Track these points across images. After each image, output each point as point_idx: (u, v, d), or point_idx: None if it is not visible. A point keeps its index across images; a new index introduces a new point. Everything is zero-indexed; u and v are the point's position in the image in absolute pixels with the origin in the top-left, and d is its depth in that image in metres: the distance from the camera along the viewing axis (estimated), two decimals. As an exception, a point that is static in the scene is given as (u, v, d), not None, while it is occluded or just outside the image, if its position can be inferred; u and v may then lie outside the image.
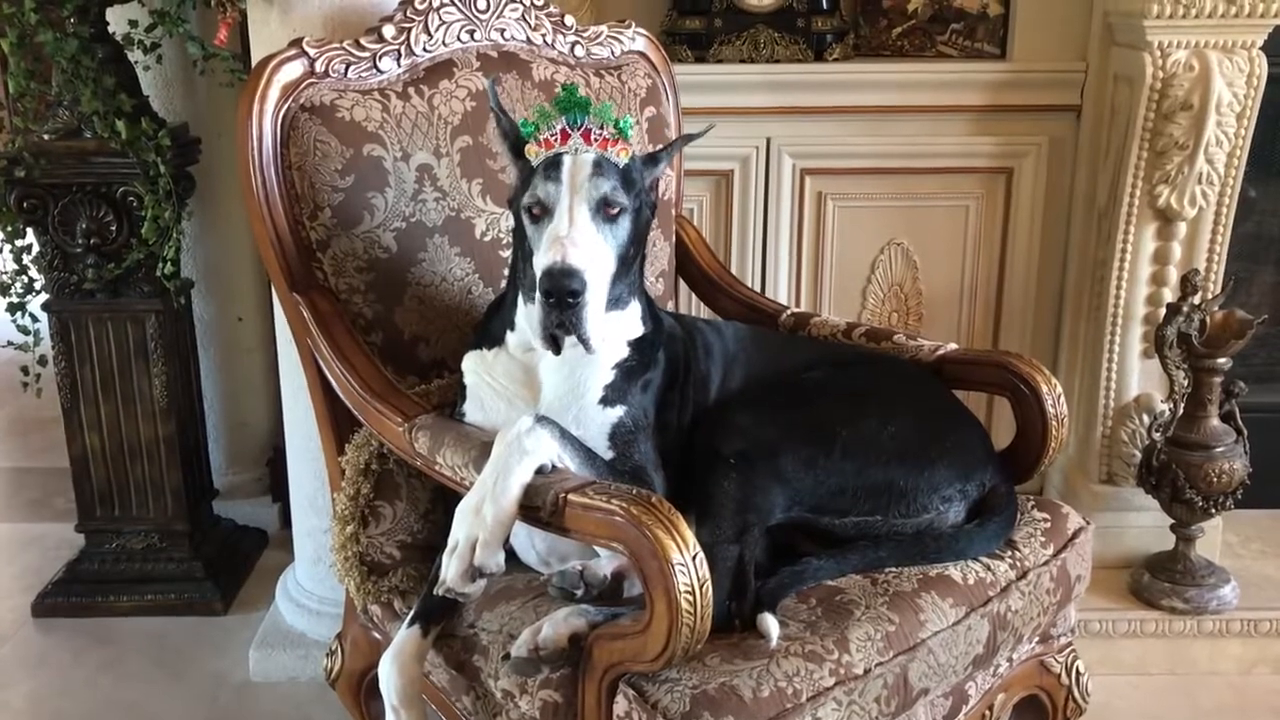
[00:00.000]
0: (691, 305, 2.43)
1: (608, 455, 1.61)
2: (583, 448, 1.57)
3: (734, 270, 2.54)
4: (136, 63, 2.58)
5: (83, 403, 2.67)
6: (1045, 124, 2.69)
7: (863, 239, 2.77)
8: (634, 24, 2.23)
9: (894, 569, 1.65)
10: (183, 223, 2.52)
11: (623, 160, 1.58)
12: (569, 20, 2.14)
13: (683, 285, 2.31)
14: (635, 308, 1.68)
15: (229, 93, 2.67)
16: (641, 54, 2.23)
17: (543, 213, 1.55)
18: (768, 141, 2.69)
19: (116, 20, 2.56)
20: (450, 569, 1.45)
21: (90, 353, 2.64)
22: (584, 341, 1.52)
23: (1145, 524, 2.63)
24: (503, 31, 2.04)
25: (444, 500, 1.83)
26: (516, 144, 1.63)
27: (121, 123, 2.40)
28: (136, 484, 2.74)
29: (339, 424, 1.84)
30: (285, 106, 1.78)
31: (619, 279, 1.60)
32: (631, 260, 1.63)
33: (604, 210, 1.55)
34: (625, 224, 1.58)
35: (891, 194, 2.74)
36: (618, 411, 1.63)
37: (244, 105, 1.77)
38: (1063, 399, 1.83)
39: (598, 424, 1.62)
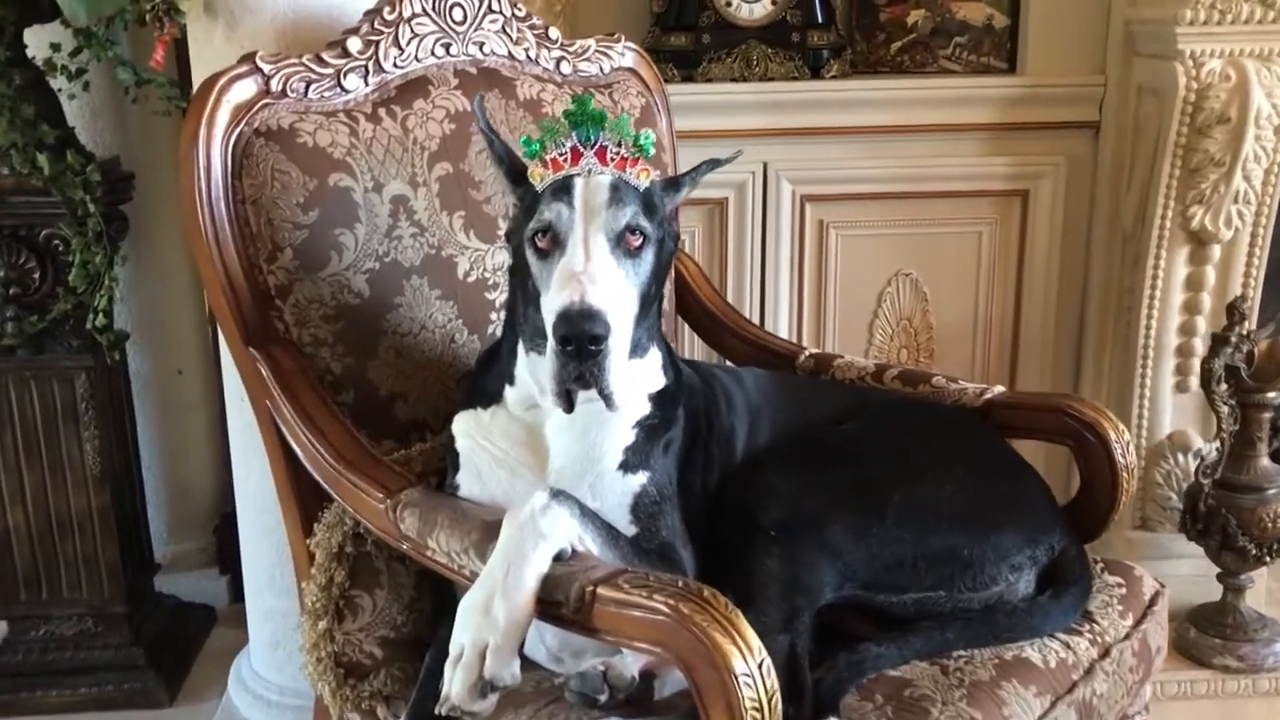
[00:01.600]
0: (692, 347, 2.22)
1: (630, 531, 1.40)
2: (605, 525, 1.37)
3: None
4: (60, 90, 2.35)
5: (4, 473, 2.42)
6: (1062, 142, 2.57)
7: (868, 269, 2.63)
8: (624, 38, 2.04)
9: (964, 652, 1.46)
10: (115, 268, 2.29)
11: (643, 183, 1.38)
12: (554, 33, 1.95)
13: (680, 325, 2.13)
14: (655, 355, 1.49)
15: (165, 122, 2.46)
16: (632, 70, 2.07)
17: (552, 245, 1.33)
18: (764, 166, 2.54)
19: (36, 43, 2.32)
20: (455, 682, 1.23)
21: (11, 416, 2.39)
22: (607, 397, 1.30)
23: (1184, 572, 2.46)
24: (481, 45, 1.85)
25: (433, 587, 1.61)
26: (513, 169, 1.43)
27: (44, 156, 2.18)
28: (67, 562, 2.48)
29: (305, 499, 1.61)
30: (237, 131, 1.57)
31: (639, 323, 1.39)
32: (653, 301, 1.43)
33: (625, 242, 1.34)
34: (648, 258, 1.37)
35: (898, 220, 2.60)
36: (640, 479, 1.43)
37: (189, 130, 1.54)
38: (1131, 446, 1.67)
39: (617, 494, 1.42)
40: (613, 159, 1.36)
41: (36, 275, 2.33)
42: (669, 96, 2.11)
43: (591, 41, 2.01)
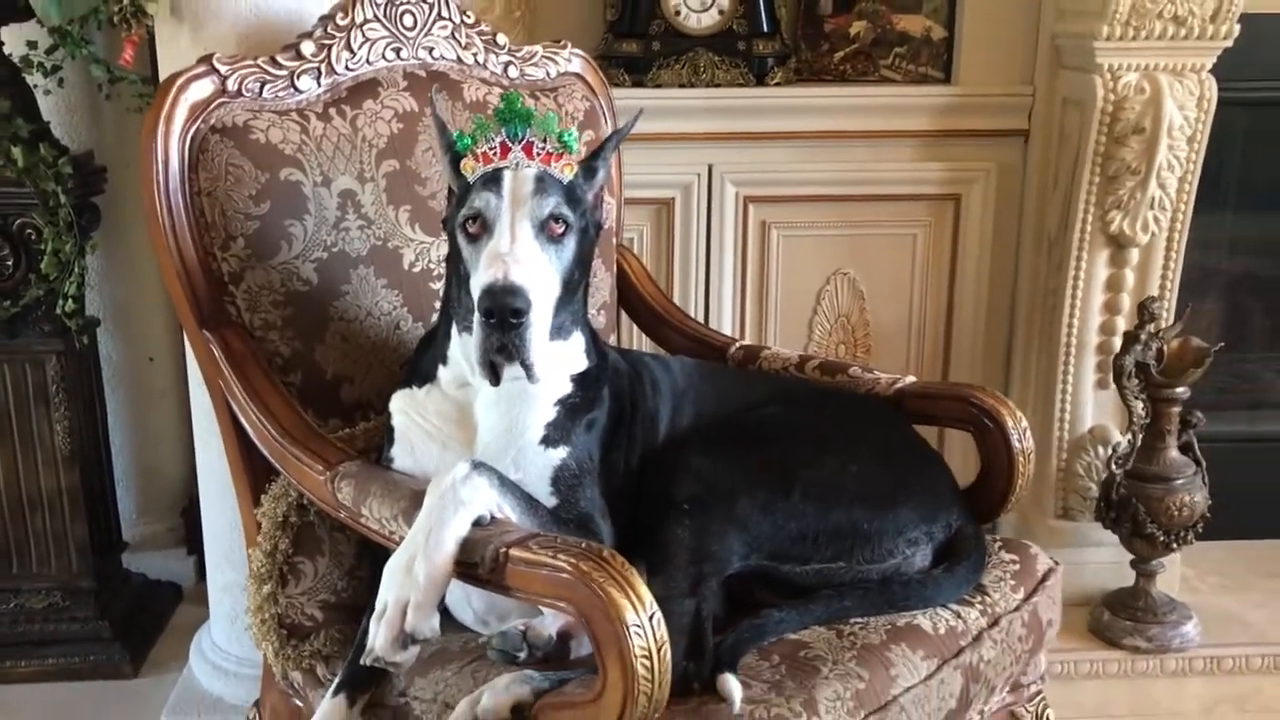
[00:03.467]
0: (634, 339, 2.32)
1: (550, 502, 1.50)
2: (524, 495, 1.46)
3: (676, 302, 2.43)
4: (36, 86, 2.42)
5: (-24, 452, 2.49)
6: (993, 149, 2.65)
7: (808, 269, 2.71)
8: (570, 44, 2.13)
9: (860, 619, 1.55)
10: (86, 256, 2.37)
11: (567, 176, 1.48)
12: (501, 39, 2.04)
13: (625, 319, 2.21)
14: (579, 339, 1.58)
15: (137, 119, 2.46)
16: (578, 76, 2.15)
17: (481, 230, 1.44)
18: (709, 168, 2.62)
19: (12, 40, 2.40)
20: (379, 635, 1.32)
21: None
22: (527, 368, 1.41)
23: (1103, 560, 2.57)
24: (431, 50, 1.93)
25: (371, 555, 1.69)
26: (457, 159, 1.51)
27: (18, 149, 2.25)
28: (36, 538, 2.55)
29: (255, 473, 1.70)
30: (194, 127, 1.66)
31: (562, 306, 1.49)
32: (576, 286, 1.52)
33: (548, 229, 1.44)
34: (570, 244, 1.47)
35: (837, 222, 2.68)
36: (560, 453, 1.52)
37: (148, 126, 1.64)
38: (1029, 433, 1.77)
39: (539, 467, 1.51)
40: (539, 154, 1.46)
41: (10, 263, 2.38)
42: (615, 100, 2.17)
43: (539, 47, 2.08)
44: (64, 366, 2.47)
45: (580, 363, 1.57)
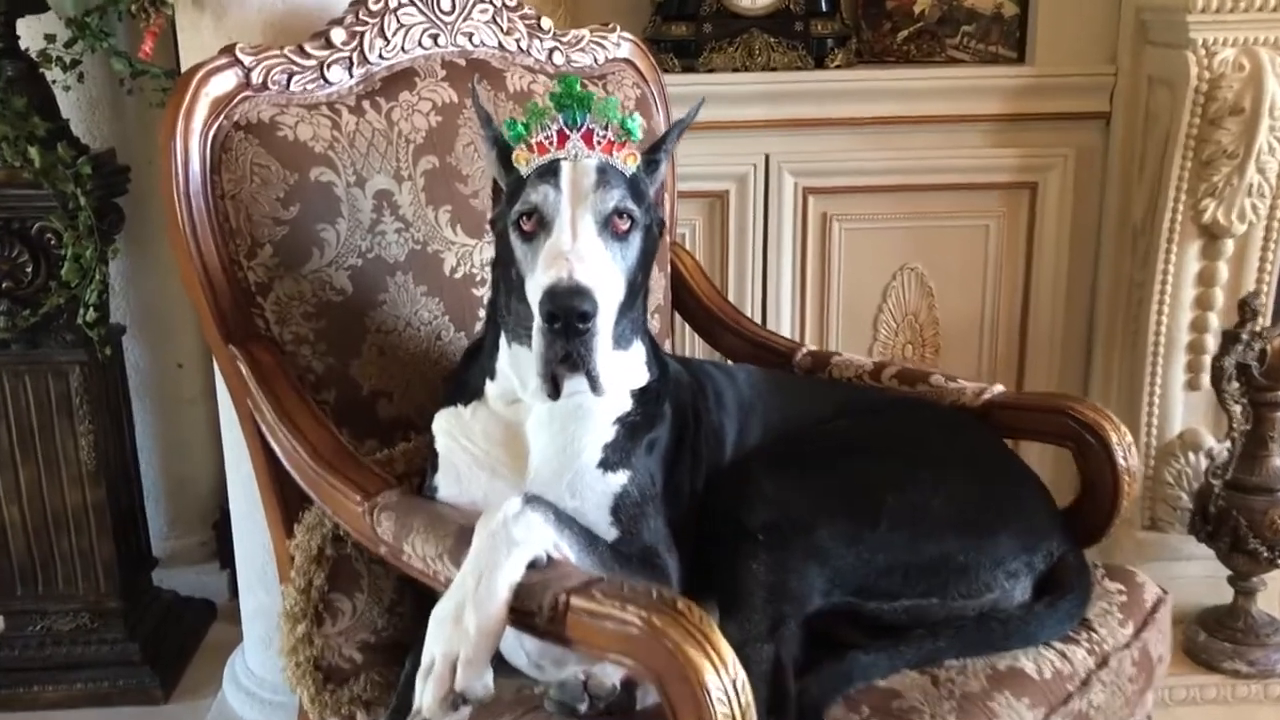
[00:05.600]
0: (690, 344, 2.19)
1: (610, 534, 1.37)
2: (582, 530, 1.33)
3: (732, 301, 2.30)
4: (55, 82, 2.34)
5: (-1, 467, 2.42)
6: (1071, 133, 2.53)
7: (872, 264, 2.59)
8: (619, 28, 2.00)
9: (956, 661, 1.42)
10: (110, 262, 2.29)
11: (630, 168, 1.35)
12: (546, 23, 1.93)
13: (679, 321, 2.10)
14: (639, 350, 1.45)
15: (161, 114, 2.39)
16: (628, 61, 2.04)
17: (538, 227, 1.30)
18: (766, 158, 2.51)
19: (30, 34, 2.31)
20: (426, 694, 1.20)
21: (6, 411, 2.39)
22: (593, 379, 1.27)
23: (1195, 574, 2.43)
24: (471, 36, 1.82)
25: (412, 589, 1.57)
26: (505, 153, 1.39)
27: (34, 149, 2.16)
28: (63, 557, 2.48)
29: (287, 500, 1.59)
30: (216, 124, 1.56)
31: (624, 312, 1.36)
32: (639, 289, 1.39)
33: (612, 225, 1.31)
34: (635, 242, 1.34)
35: (903, 214, 2.56)
36: (621, 478, 1.39)
37: (167, 123, 1.55)
38: (1134, 449, 1.63)
39: (597, 494, 1.38)
40: (599, 142, 1.33)
41: (29, 269, 2.32)
42: (667, 87, 2.07)
43: (585, 32, 1.98)
44: (88, 377, 2.40)
45: (641, 376, 1.45)
